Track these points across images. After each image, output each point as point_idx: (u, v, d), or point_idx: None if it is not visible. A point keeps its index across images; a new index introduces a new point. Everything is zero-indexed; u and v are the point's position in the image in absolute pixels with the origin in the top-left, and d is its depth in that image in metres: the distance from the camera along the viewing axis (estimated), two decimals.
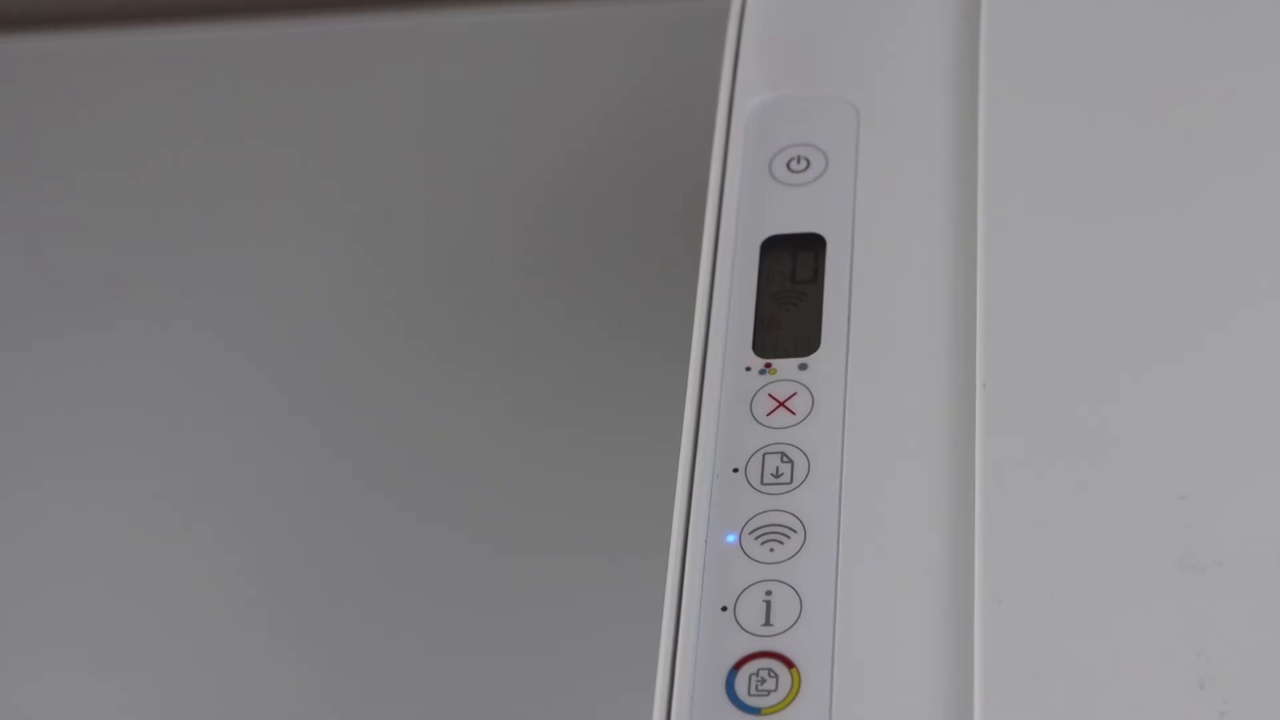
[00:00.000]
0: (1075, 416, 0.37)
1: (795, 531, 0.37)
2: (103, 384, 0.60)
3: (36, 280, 0.63)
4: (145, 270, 0.63)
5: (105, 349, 0.61)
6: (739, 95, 0.46)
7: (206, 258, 0.63)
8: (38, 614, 0.55)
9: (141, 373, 0.60)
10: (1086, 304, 0.39)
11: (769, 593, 0.37)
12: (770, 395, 0.40)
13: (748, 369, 0.40)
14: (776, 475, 0.38)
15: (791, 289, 0.42)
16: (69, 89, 0.69)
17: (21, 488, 0.58)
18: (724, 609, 0.37)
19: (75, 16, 0.71)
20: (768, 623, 0.36)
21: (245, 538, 0.56)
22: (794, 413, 0.39)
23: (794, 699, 0.35)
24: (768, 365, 0.40)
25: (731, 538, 0.38)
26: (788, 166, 0.44)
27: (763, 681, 0.36)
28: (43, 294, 0.63)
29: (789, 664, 0.36)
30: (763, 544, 0.37)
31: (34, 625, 0.55)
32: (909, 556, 0.37)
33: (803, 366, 0.40)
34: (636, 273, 0.59)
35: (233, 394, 0.59)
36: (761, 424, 0.39)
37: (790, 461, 0.39)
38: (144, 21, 0.70)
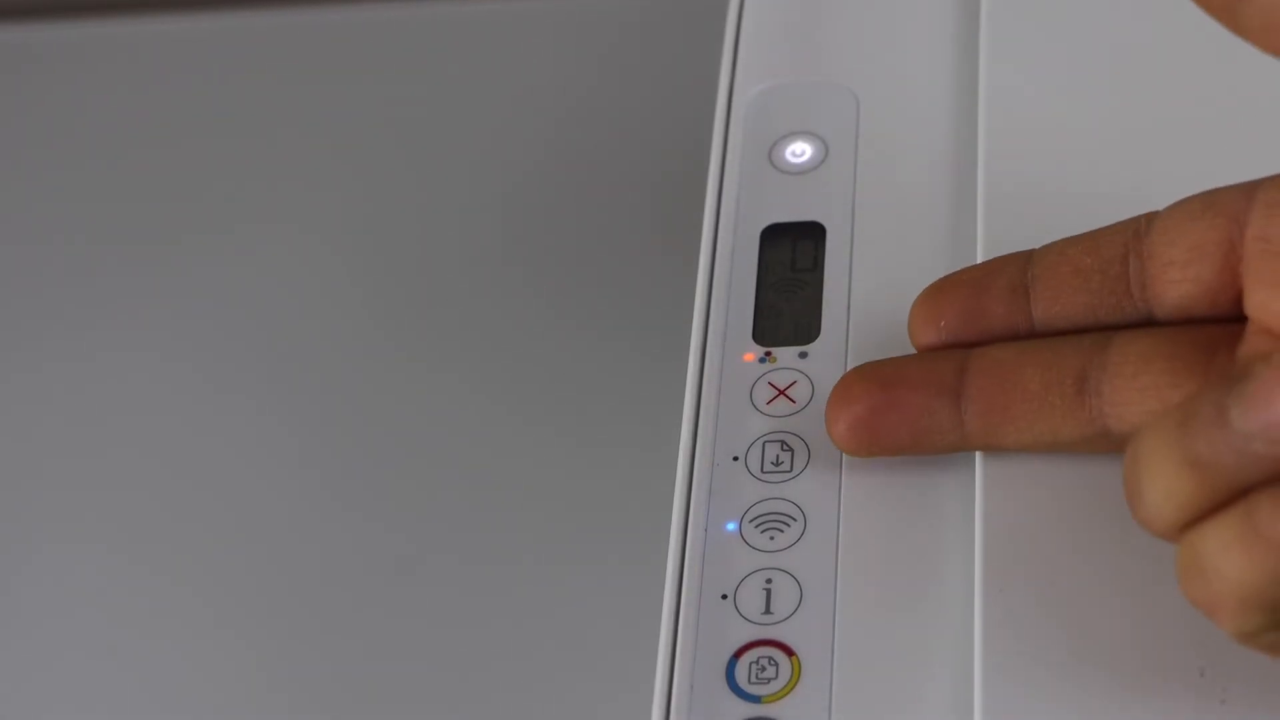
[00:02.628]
0: None
1: (795, 520, 0.37)
2: (93, 380, 0.60)
3: (28, 276, 0.63)
4: (137, 265, 0.63)
5: (94, 345, 0.61)
6: (738, 83, 0.45)
7: (195, 254, 0.63)
8: (30, 610, 0.55)
9: (132, 369, 0.60)
10: None
11: (769, 581, 0.37)
12: (770, 383, 0.40)
13: (748, 358, 0.40)
14: (776, 463, 0.38)
15: (791, 277, 0.42)
16: (50, 82, 0.69)
17: (12, 485, 0.58)
18: (724, 597, 0.37)
19: (57, 7, 0.70)
20: (768, 611, 0.36)
21: (236, 542, 0.56)
22: (794, 401, 0.39)
23: (794, 687, 0.35)
24: (768, 354, 0.40)
25: (731, 526, 0.38)
26: (787, 155, 0.44)
27: (763, 670, 0.36)
28: (34, 290, 0.63)
29: (789, 652, 0.36)
30: (763, 532, 0.37)
31: (27, 622, 0.55)
32: (909, 545, 0.37)
33: (803, 355, 0.40)
34: (635, 262, 0.59)
35: (223, 392, 0.59)
36: (761, 412, 0.39)
37: (790, 450, 0.39)
38: (125, 12, 0.70)
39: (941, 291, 0.38)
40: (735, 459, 0.39)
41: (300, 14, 0.69)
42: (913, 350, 0.38)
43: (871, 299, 0.41)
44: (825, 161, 0.44)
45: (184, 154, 0.66)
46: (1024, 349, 0.36)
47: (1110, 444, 0.35)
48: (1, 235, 0.64)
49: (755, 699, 0.35)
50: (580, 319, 0.58)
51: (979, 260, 0.40)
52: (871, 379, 0.37)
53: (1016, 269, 0.37)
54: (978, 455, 0.37)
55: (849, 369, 0.38)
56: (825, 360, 0.40)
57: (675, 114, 0.62)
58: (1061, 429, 0.35)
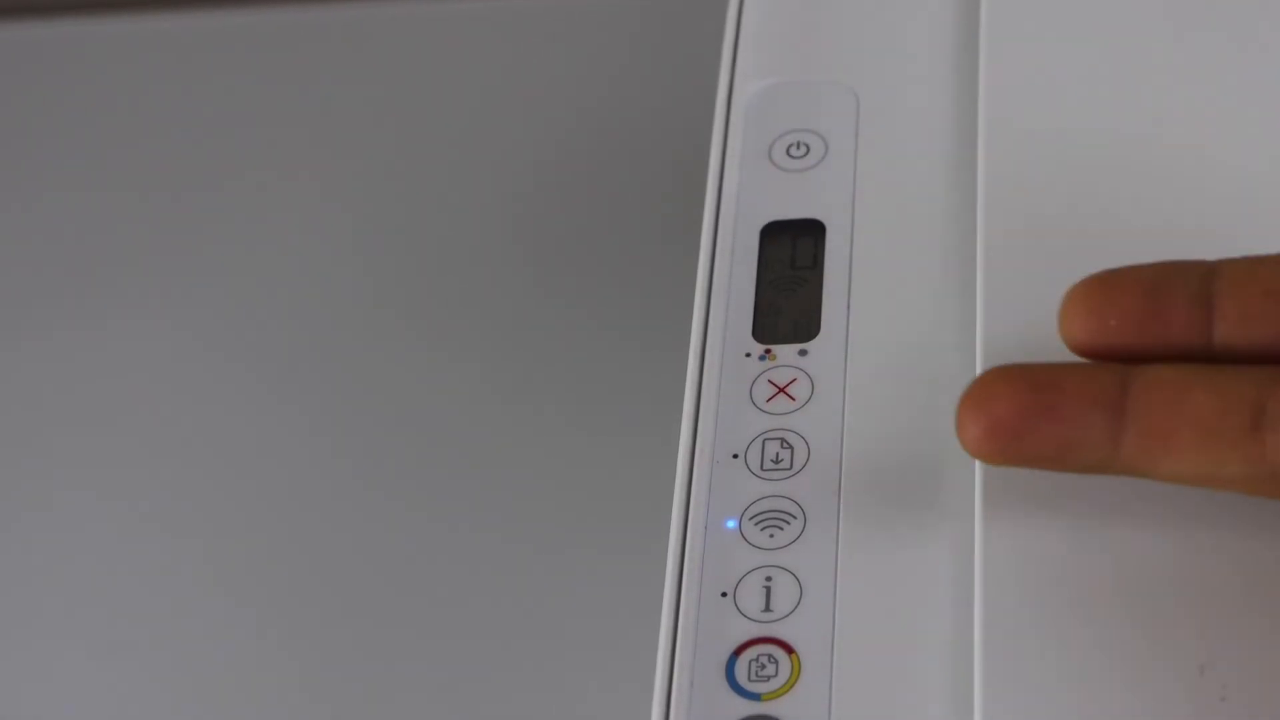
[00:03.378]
0: None
1: (795, 517, 0.37)
2: (91, 379, 0.60)
3: (22, 275, 0.63)
4: (133, 264, 0.63)
5: (93, 343, 0.61)
6: (738, 81, 0.46)
7: (194, 251, 0.63)
8: (27, 610, 0.55)
9: (131, 367, 0.60)
10: None
11: (769, 578, 0.37)
12: (770, 381, 0.40)
13: (747, 355, 0.40)
14: (776, 461, 0.38)
15: (791, 275, 0.42)
16: (47, 80, 0.69)
17: (9, 485, 0.58)
18: (724, 595, 0.37)
19: (56, 5, 0.70)
20: (767, 608, 0.36)
21: (237, 534, 0.56)
22: (794, 399, 0.39)
23: (794, 684, 0.35)
24: (767, 351, 0.40)
25: (731, 524, 0.38)
26: (787, 152, 0.44)
27: (763, 667, 0.36)
28: (29, 289, 0.63)
29: (789, 650, 0.36)
30: (762, 530, 0.37)
31: (23, 621, 0.55)
32: (909, 542, 0.37)
33: (802, 352, 0.40)
34: (636, 259, 0.59)
35: (224, 388, 0.59)
36: (761, 410, 0.39)
37: (790, 447, 0.39)
38: (123, 10, 0.70)
39: (1112, 287, 0.34)
40: (735, 456, 0.39)
41: (303, 12, 0.69)
42: (919, 352, 0.38)
43: (871, 297, 0.41)
44: (825, 159, 0.44)
45: (190, 151, 0.66)
46: (1195, 371, 0.33)
47: (1275, 488, 0.32)
48: (7, 232, 0.64)
49: (755, 696, 0.35)
50: (580, 316, 0.58)
51: (979, 259, 0.40)
52: (1021, 380, 0.33)
53: (1198, 279, 0.34)
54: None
55: (988, 369, 0.34)
56: (825, 358, 0.40)
57: (675, 111, 0.62)
58: (1227, 462, 0.32)
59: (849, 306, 0.41)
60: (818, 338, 0.40)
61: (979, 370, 0.38)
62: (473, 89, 0.66)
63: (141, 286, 0.62)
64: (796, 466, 0.38)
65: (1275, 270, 0.33)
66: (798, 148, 0.44)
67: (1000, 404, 0.33)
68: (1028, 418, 0.33)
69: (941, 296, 0.40)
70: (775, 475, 0.38)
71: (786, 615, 0.36)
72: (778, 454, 0.38)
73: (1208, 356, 0.33)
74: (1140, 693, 0.33)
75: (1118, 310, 0.34)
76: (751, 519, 0.38)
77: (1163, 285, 0.34)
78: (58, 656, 0.54)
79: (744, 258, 0.42)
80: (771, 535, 0.37)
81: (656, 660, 0.36)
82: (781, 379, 0.40)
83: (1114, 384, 0.33)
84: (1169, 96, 0.42)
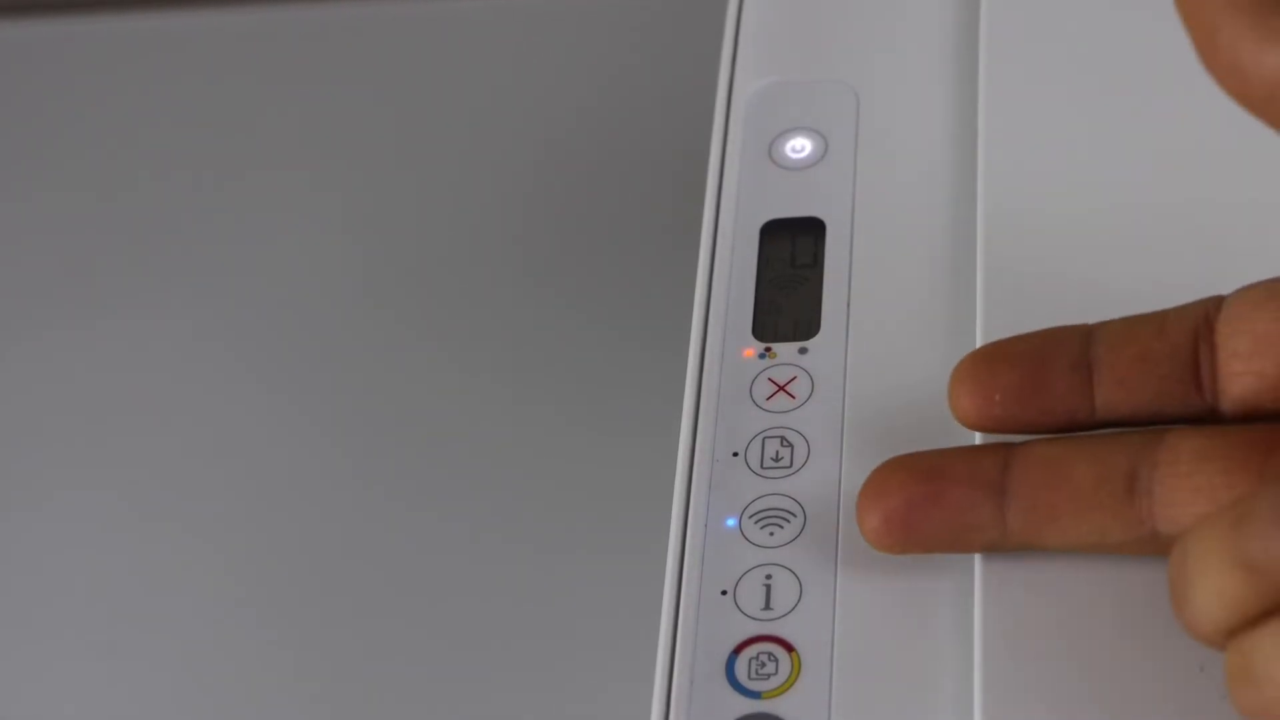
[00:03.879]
0: None
1: (795, 515, 0.37)
2: (91, 378, 0.60)
3: (22, 275, 0.63)
4: (133, 263, 0.63)
5: (92, 341, 0.61)
6: (738, 79, 0.46)
7: (193, 251, 0.63)
8: (27, 610, 0.55)
9: (131, 366, 0.60)
10: (1087, 291, 0.39)
11: (769, 577, 0.37)
12: (770, 379, 0.40)
13: (747, 353, 0.40)
14: (776, 459, 0.38)
15: (791, 273, 0.42)
16: (47, 80, 0.69)
17: (7, 484, 0.58)
18: (724, 593, 0.37)
19: (56, 5, 0.70)
20: (767, 607, 0.36)
21: (237, 534, 0.56)
22: (794, 397, 0.39)
23: (794, 682, 0.35)
24: (767, 349, 0.40)
25: (731, 522, 0.38)
26: (787, 151, 0.44)
27: (763, 665, 0.36)
28: (28, 288, 0.63)
29: (789, 648, 0.36)
30: (762, 528, 0.37)
31: (23, 621, 0.55)
32: None
33: (803, 351, 0.40)
34: (636, 257, 0.59)
35: (223, 387, 0.59)
36: (761, 408, 0.39)
37: (790, 445, 0.38)
38: (123, 10, 0.70)
39: (995, 361, 0.35)
40: (735, 455, 0.39)
41: (303, 12, 0.69)
42: (919, 351, 0.38)
43: (871, 295, 0.41)
44: (825, 157, 0.44)
45: (190, 151, 0.65)
46: (1073, 444, 0.34)
47: (1157, 547, 0.33)
48: (7, 232, 0.64)
49: (755, 695, 0.35)
50: (581, 314, 0.58)
51: (979, 257, 0.40)
52: (910, 471, 0.35)
53: (1077, 344, 0.35)
54: None
55: (884, 460, 0.35)
56: (825, 356, 0.40)
57: (676, 110, 0.62)
58: (1109, 529, 0.33)
59: (849, 305, 0.41)
60: (818, 336, 0.40)
61: None
62: (472, 89, 0.66)
63: (141, 286, 0.62)
64: (796, 465, 0.38)
65: (1150, 331, 0.34)
66: (798, 146, 0.44)
67: (894, 496, 0.34)
68: (917, 508, 0.34)
69: (941, 296, 0.40)
70: (775, 473, 0.38)
71: (786, 613, 0.36)
72: (778, 452, 0.38)
73: (1091, 422, 0.34)
74: (1140, 692, 0.33)
75: (1001, 385, 0.35)
76: (751, 517, 0.38)
77: (1043, 355, 0.35)
78: (58, 656, 0.54)
79: (744, 256, 0.42)
80: (771, 533, 0.37)
81: (656, 659, 0.36)
82: (781, 377, 0.40)
83: (995, 465, 0.34)
84: (1169, 94, 0.42)
